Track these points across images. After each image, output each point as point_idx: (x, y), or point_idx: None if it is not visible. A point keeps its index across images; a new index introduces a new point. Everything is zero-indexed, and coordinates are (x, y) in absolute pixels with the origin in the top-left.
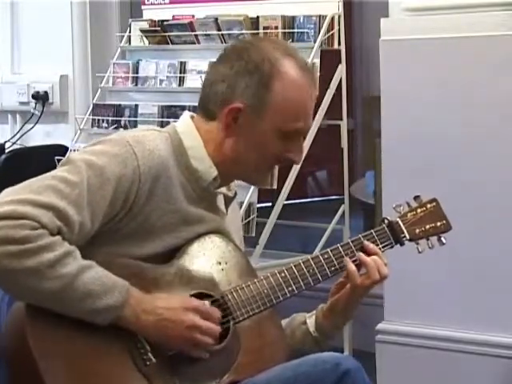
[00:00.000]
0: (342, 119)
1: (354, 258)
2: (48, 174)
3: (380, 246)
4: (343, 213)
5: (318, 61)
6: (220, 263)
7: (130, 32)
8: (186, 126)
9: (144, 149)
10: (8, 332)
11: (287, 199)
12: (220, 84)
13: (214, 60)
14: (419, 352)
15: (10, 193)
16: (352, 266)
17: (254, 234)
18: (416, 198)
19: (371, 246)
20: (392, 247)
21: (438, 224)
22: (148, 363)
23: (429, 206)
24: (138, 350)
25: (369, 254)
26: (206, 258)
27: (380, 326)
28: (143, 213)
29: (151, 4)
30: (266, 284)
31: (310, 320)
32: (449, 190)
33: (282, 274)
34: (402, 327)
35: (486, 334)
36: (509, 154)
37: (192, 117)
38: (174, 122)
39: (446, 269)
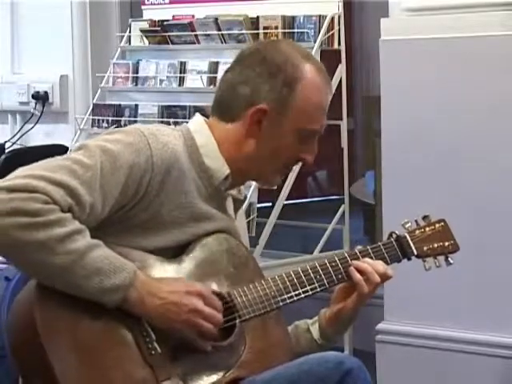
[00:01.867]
0: (341, 119)
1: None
2: (62, 156)
3: (387, 259)
4: (343, 213)
5: None
6: (228, 262)
7: (130, 32)
8: (198, 125)
9: (158, 141)
10: (16, 314)
11: (287, 199)
12: (243, 87)
13: (232, 64)
14: (419, 352)
15: (25, 169)
16: (357, 276)
17: (253, 234)
18: (425, 217)
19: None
20: (399, 261)
21: (446, 244)
22: (153, 352)
23: (437, 225)
24: (143, 339)
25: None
26: (215, 256)
27: (380, 326)
28: (154, 205)
29: (151, 4)
30: (274, 286)
31: (314, 327)
32: (448, 189)
33: (290, 278)
34: (401, 327)
35: (486, 334)
36: (509, 154)
37: (205, 120)
38: (175, 122)
39: (446, 269)
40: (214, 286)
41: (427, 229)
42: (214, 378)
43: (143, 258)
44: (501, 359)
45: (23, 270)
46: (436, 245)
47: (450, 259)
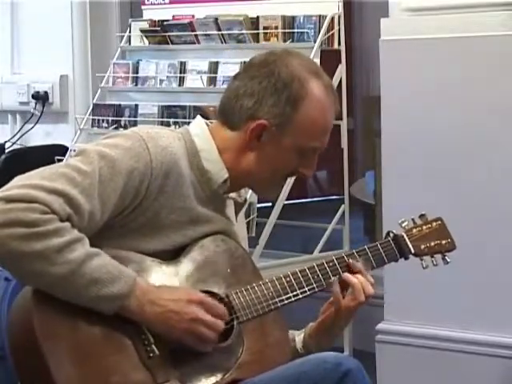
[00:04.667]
0: (341, 119)
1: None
2: (61, 163)
3: (385, 258)
4: (343, 213)
5: (318, 61)
6: (226, 263)
7: (130, 32)
8: (199, 128)
9: (157, 145)
10: (14, 317)
11: (287, 199)
12: (247, 98)
13: (240, 71)
14: (419, 352)
15: (23, 178)
16: (336, 288)
17: (253, 234)
18: (421, 216)
19: (357, 264)
20: (396, 261)
21: (443, 242)
22: (151, 355)
23: (434, 224)
24: (141, 342)
25: (353, 272)
26: (212, 257)
27: (380, 326)
28: (153, 208)
29: (151, 4)
30: (271, 287)
31: (299, 338)
32: (449, 189)
33: (287, 279)
34: (402, 327)
35: (486, 334)
36: (509, 154)
37: (207, 124)
38: (175, 122)
39: (445, 269)
40: (212, 288)
41: (424, 227)
42: (213, 379)
43: (141, 261)
44: (501, 359)
45: (22, 279)
46: (433, 243)
47: (447, 258)
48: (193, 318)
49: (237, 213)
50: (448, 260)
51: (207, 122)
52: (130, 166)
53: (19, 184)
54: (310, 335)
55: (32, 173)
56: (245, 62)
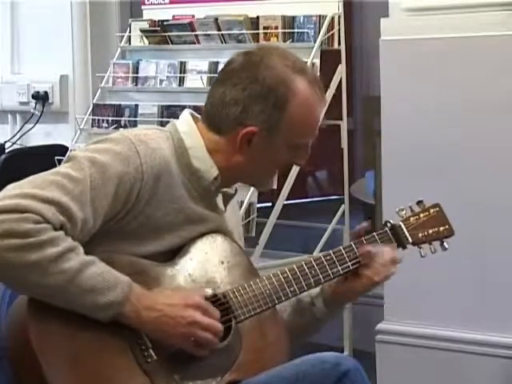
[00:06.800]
0: (341, 119)
1: (355, 261)
2: (51, 170)
3: None
4: (343, 213)
5: (317, 61)
6: (222, 262)
7: (130, 32)
8: (187, 125)
9: (147, 147)
10: (10, 328)
11: (287, 199)
12: (233, 106)
13: (221, 75)
14: (419, 352)
15: (14, 187)
16: (366, 248)
17: (254, 234)
18: (419, 202)
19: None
20: None
21: (441, 229)
22: (149, 360)
23: (432, 210)
24: (139, 347)
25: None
26: (209, 257)
27: (380, 326)
28: (146, 211)
29: (151, 4)
30: (268, 284)
31: (318, 300)
32: (449, 189)
33: (285, 275)
34: (402, 327)
35: (486, 334)
36: (508, 154)
37: (193, 116)
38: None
39: (445, 269)
40: (209, 288)
41: (422, 215)
42: (212, 381)
43: (137, 264)
44: (501, 359)
45: (17, 289)
46: (431, 231)
47: (445, 244)
48: (189, 322)
49: (226, 203)
50: (446, 246)
51: (194, 113)
52: (121, 170)
53: (11, 194)
54: (331, 296)
55: (23, 181)
56: None
